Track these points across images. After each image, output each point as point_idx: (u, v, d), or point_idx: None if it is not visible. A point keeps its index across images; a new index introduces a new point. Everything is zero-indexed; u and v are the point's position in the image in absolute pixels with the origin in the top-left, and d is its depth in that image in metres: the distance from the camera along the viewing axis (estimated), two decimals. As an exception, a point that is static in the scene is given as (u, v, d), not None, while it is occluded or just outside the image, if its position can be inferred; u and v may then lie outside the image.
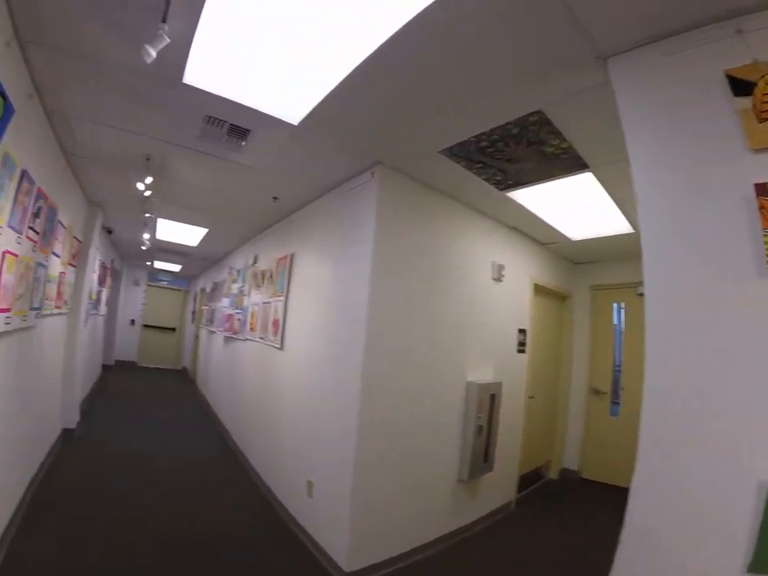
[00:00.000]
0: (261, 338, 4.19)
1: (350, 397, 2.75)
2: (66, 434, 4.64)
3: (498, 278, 3.83)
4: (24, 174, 2.58)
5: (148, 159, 3.19)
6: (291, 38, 1.84)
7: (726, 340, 1.17)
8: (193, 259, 8.09)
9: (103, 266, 6.96)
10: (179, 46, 1.89)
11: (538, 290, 4.59)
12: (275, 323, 3.81)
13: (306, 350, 3.27)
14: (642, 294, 1.42)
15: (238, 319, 5.22)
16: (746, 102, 1.26)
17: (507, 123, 2.27)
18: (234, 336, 5.36)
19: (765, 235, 1.15)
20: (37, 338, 3.62)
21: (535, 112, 2.14)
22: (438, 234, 3.22)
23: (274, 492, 3.78)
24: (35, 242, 3.15)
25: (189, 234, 5.89)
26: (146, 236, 5.75)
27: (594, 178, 2.76)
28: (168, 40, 1.69)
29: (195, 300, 10.54)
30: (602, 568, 1.47)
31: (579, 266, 5.33)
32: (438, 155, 2.72)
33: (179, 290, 12.10)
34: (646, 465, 1.30)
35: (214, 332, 6.99)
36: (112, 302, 9.44)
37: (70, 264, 4.53)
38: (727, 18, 1.38)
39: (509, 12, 1.56)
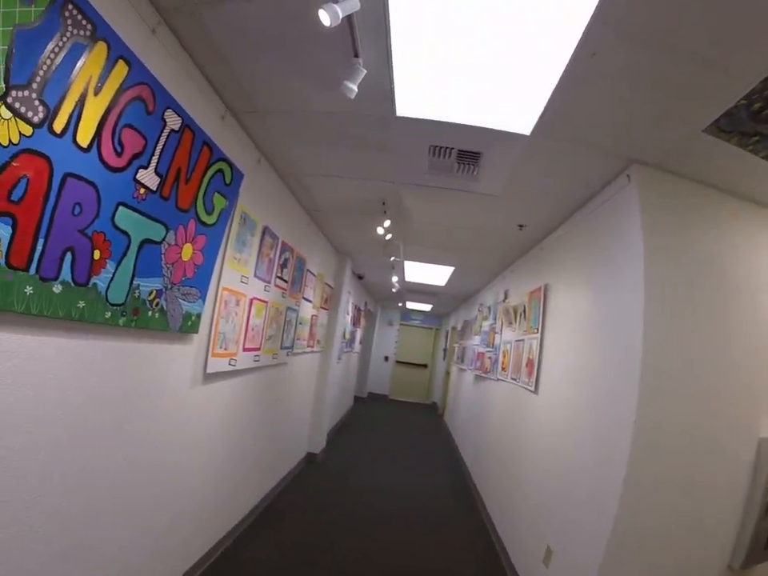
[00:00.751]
0: (513, 379, 3.78)
1: (614, 451, 1.98)
2: (310, 457, 5.16)
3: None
4: (266, 230, 2.92)
5: (383, 203, 3.26)
6: (490, 33, 1.48)
7: None
8: (442, 298, 8.35)
9: (357, 309, 7.84)
10: (380, 77, 1.79)
11: None
12: (529, 363, 3.32)
13: (562, 393, 2.64)
14: None
15: (489, 358, 4.97)
16: None
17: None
18: (484, 375, 5.14)
19: None
20: (288, 373, 4.09)
21: None
22: (718, 240, 2.15)
23: (505, 546, 3.30)
24: (284, 289, 3.56)
25: (436, 274, 6.02)
26: (395, 279, 6.12)
27: None
28: (364, 71, 1.65)
29: (446, 338, 10.90)
30: None
31: None
32: (703, 135, 1.82)
33: (431, 329, 12.77)
34: None
35: (465, 370, 6.98)
36: (366, 341, 10.57)
37: (322, 308, 5.10)
38: None
39: None
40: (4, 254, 1.15)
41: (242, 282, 2.65)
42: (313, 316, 4.73)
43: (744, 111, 1.65)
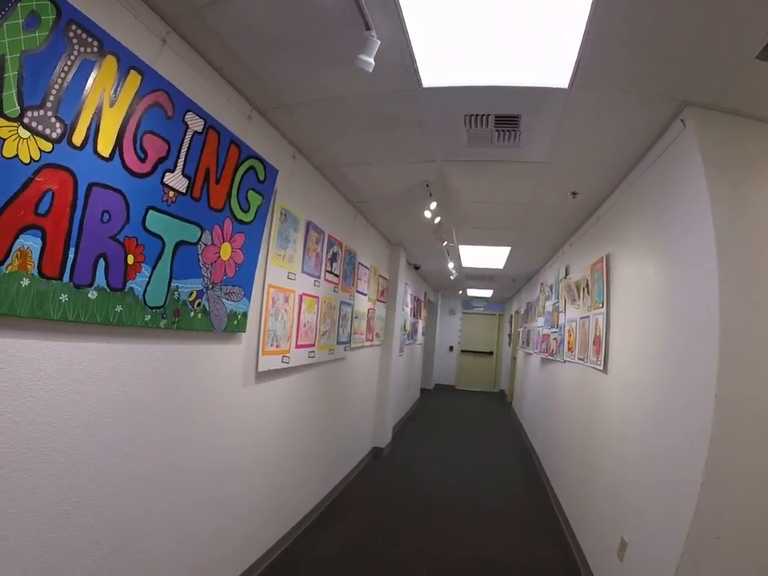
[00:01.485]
0: (580, 360, 3.56)
1: (692, 432, 1.76)
2: (375, 451, 5.19)
3: None
4: (309, 225, 2.93)
5: (427, 185, 3.15)
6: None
7: None
8: (502, 282, 8.09)
9: (416, 300, 7.75)
10: (398, 49, 1.70)
11: None
12: (596, 341, 3.10)
13: (633, 371, 2.41)
14: None
15: (554, 339, 4.75)
16: None
17: None
18: (550, 358, 4.92)
19: None
20: (347, 368, 4.12)
21: None
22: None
23: (577, 537, 3.10)
24: (335, 283, 3.57)
25: (492, 257, 5.85)
26: (451, 265, 6.00)
27: None
28: (378, 41, 1.58)
29: (510, 323, 10.63)
30: None
31: None
32: (757, 63, 1.52)
33: (494, 315, 12.45)
34: None
35: (530, 354, 6.74)
36: (429, 332, 10.47)
37: (378, 300, 5.09)
38: None
39: None
40: (36, 264, 1.21)
41: (289, 278, 2.68)
42: (369, 309, 4.72)
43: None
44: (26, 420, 1.24)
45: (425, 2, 1.48)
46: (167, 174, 1.59)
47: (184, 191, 1.69)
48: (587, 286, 3.45)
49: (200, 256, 1.82)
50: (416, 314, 7.88)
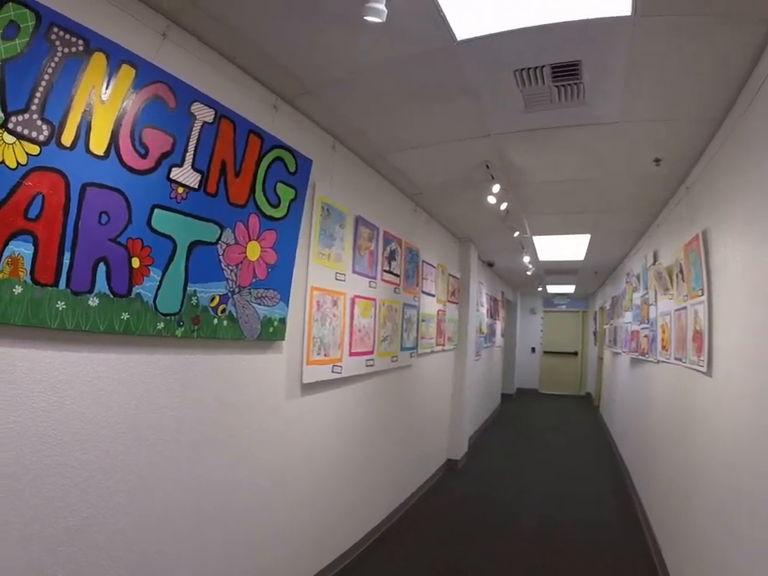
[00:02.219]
0: (677, 359, 3.03)
1: None
2: (450, 464, 4.89)
3: None
4: (359, 221, 2.78)
5: (487, 166, 2.85)
6: None
7: None
8: (584, 275, 7.39)
9: (492, 300, 7.28)
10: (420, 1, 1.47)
11: None
12: (696, 336, 2.58)
13: (752, 374, 1.88)
14: None
15: (645, 336, 4.18)
16: None
17: None
18: (641, 357, 4.34)
19: None
20: (415, 376, 3.91)
21: None
22: None
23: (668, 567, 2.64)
24: (396, 284, 3.39)
25: (571, 247, 5.37)
26: (527, 259, 5.59)
27: None
28: None
29: (595, 320, 9.81)
30: None
31: None
32: None
33: (577, 312, 11.47)
34: None
35: (618, 353, 6.08)
36: (509, 333, 9.85)
37: (449, 301, 4.81)
38: None
39: None
40: (29, 271, 1.19)
41: (337, 279, 2.54)
42: (439, 311, 4.47)
43: None
44: (29, 432, 1.21)
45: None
46: (174, 169, 1.53)
47: (196, 186, 1.62)
48: (681, 271, 2.89)
49: (221, 257, 1.74)
50: (493, 314, 7.42)
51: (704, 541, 2.17)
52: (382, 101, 2.13)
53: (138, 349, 1.49)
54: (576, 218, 4.04)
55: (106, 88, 1.31)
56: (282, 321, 2.05)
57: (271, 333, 2.00)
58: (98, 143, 1.31)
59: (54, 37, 1.19)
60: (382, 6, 1.35)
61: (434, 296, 4.31)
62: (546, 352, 11.40)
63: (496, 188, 3.00)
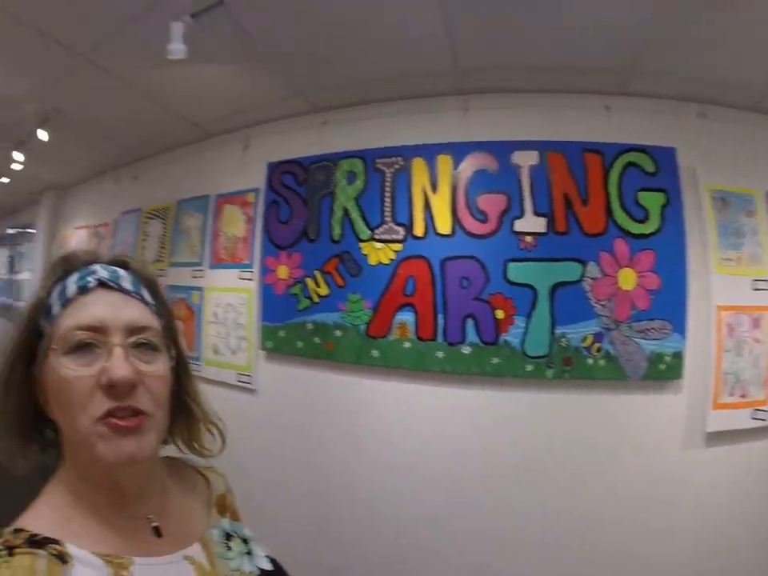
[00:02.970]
0: None
1: None
2: None
3: None
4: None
5: None
6: None
7: None
8: None
9: None
10: None
11: None
12: None
13: None
14: None
15: None
16: None
17: None
18: None
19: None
20: None
21: None
22: None
23: None
24: None
25: None
26: None
27: None
28: None
29: None
30: None
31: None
32: None
33: None
34: None
35: None
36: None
37: None
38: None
39: None
40: (413, 331, 1.69)
41: (755, 288, 1.66)
42: None
43: None
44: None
45: None
46: (516, 221, 1.66)
47: (544, 230, 1.66)
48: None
49: (589, 293, 1.63)
50: None
51: None
52: None
53: (509, 389, 1.65)
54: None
55: (433, 180, 1.71)
56: (677, 355, 1.57)
57: (663, 371, 1.57)
58: (443, 225, 1.70)
59: (379, 165, 1.74)
60: None
61: None
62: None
63: None
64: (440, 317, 1.67)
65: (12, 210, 5.31)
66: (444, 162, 1.74)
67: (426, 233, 1.71)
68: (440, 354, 1.66)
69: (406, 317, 1.70)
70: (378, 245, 1.76)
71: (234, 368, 2.10)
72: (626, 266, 1.62)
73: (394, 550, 1.74)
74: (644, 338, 1.60)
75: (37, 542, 0.47)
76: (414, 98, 1.84)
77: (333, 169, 1.87)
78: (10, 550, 0.46)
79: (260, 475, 1.98)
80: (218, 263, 2.20)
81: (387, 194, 1.79)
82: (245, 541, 0.66)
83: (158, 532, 0.56)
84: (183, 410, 0.62)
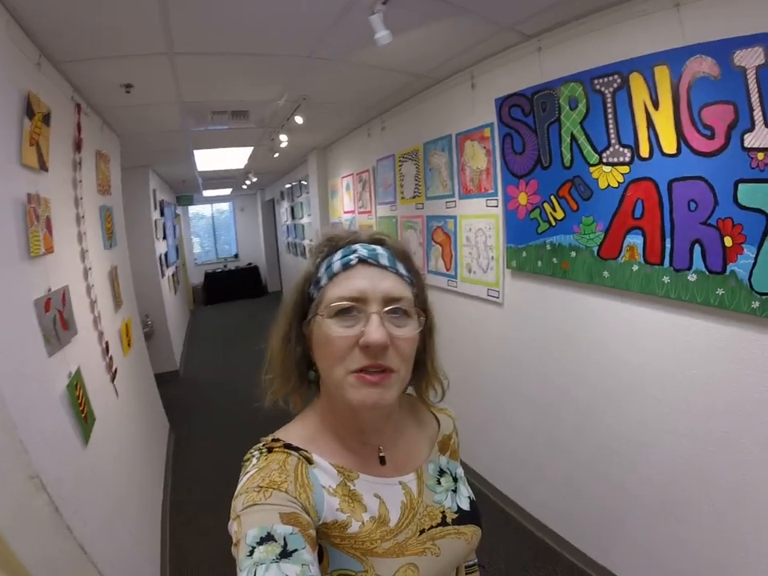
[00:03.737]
0: None
1: None
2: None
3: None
4: None
5: None
6: None
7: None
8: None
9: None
10: None
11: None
12: None
13: None
14: None
15: None
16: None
17: None
18: None
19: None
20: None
21: None
22: None
23: None
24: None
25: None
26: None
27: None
28: None
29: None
30: None
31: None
32: None
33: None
34: None
35: None
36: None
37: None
38: None
39: None
40: (641, 255, 1.79)
41: None
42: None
43: None
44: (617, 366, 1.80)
45: None
46: (746, 135, 1.37)
47: (783, 143, 1.29)
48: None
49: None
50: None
51: None
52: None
53: (730, 323, 1.53)
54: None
55: (653, 96, 1.57)
56: None
57: None
58: (668, 144, 1.58)
59: (598, 87, 1.71)
60: None
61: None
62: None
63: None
64: (667, 241, 1.66)
65: (286, 171, 6.94)
66: (662, 73, 1.55)
67: (651, 153, 1.65)
68: (666, 279, 1.69)
69: (636, 240, 1.77)
70: (607, 168, 1.82)
71: (485, 284, 2.59)
72: None
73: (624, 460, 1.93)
74: None
75: (291, 447, 0.59)
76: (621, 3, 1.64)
77: (555, 96, 1.94)
78: (270, 450, 0.58)
79: (497, 378, 2.52)
80: (466, 194, 2.61)
81: (610, 116, 1.77)
82: (455, 479, 0.72)
83: (382, 461, 0.64)
84: (420, 366, 0.68)
